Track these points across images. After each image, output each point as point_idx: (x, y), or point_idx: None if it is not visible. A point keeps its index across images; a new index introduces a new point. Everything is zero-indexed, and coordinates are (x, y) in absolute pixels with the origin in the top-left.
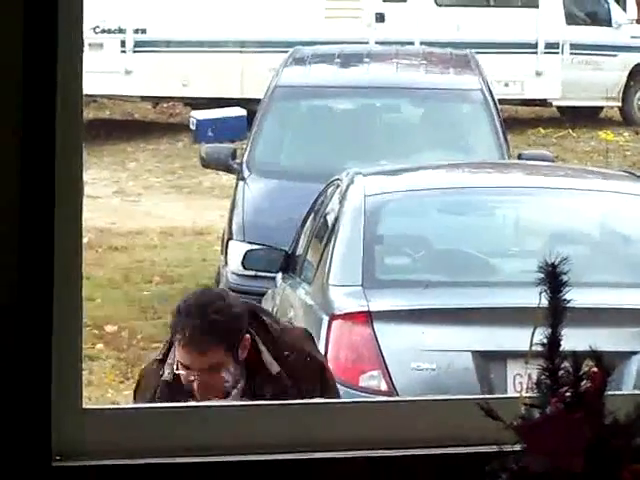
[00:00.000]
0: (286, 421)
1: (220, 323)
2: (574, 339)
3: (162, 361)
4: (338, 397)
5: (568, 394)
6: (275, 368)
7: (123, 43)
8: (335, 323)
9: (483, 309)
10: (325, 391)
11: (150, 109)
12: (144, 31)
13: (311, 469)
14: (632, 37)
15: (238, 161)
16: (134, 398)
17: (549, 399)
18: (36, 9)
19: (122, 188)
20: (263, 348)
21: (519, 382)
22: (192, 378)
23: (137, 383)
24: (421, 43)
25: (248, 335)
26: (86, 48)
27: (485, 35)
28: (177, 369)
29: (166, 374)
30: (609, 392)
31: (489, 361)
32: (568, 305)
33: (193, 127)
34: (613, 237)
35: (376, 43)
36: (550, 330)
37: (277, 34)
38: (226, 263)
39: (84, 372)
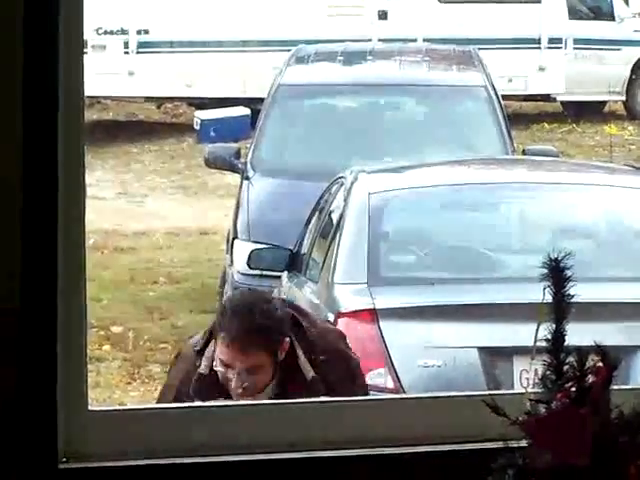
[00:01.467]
0: (291, 420)
1: (265, 326)
2: (579, 334)
3: (200, 352)
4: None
5: (573, 389)
6: (310, 374)
7: (126, 44)
8: (341, 321)
9: (489, 305)
10: (357, 391)
11: (154, 110)
12: (147, 32)
13: (317, 468)
14: (635, 31)
15: (242, 160)
16: (168, 374)
17: (554, 395)
18: (37, 11)
19: (127, 189)
20: (300, 353)
21: (525, 378)
22: (231, 376)
23: (173, 363)
24: (424, 40)
25: (288, 339)
26: (89, 50)
27: (488, 31)
28: (216, 365)
29: (203, 366)
30: (614, 387)
31: (495, 357)
32: (573, 300)
33: (197, 127)
34: (618, 231)
35: (379, 40)
36: (554, 325)
37: (279, 33)
38: (231, 262)
39: (91, 373)
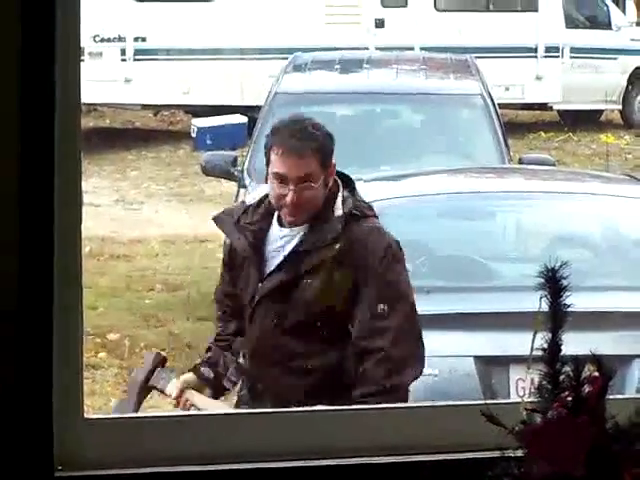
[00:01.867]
0: (287, 428)
1: (316, 135)
2: (575, 343)
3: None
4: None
5: (569, 399)
6: (338, 212)
7: (123, 51)
8: None
9: (485, 314)
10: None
11: (151, 117)
12: (144, 39)
13: (314, 476)
14: (632, 40)
15: (239, 168)
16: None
17: (551, 404)
18: (33, 18)
19: (123, 196)
20: (340, 194)
21: (522, 387)
22: (285, 192)
23: None
24: (421, 48)
25: (334, 163)
26: (86, 57)
27: (485, 40)
28: (271, 181)
29: (249, 197)
30: (610, 396)
31: (491, 366)
32: (569, 309)
33: (194, 135)
34: (614, 241)
35: (376, 49)
36: (551, 335)
37: (277, 41)
38: None
39: (87, 381)
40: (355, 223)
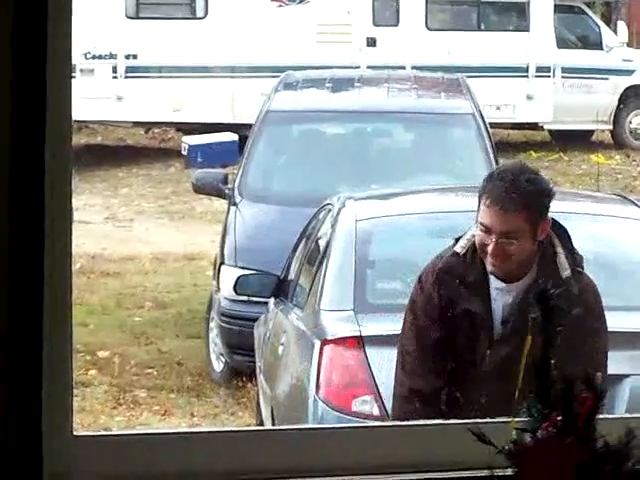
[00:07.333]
0: (276, 447)
1: (529, 192)
2: None
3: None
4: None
5: (559, 418)
6: (566, 272)
7: (114, 69)
8: (327, 348)
9: None
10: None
11: (142, 135)
12: (135, 56)
13: None
14: (623, 60)
15: (230, 186)
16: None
17: (540, 423)
18: (25, 35)
19: (114, 214)
20: (560, 250)
21: None
22: (488, 242)
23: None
24: (412, 67)
25: (550, 220)
26: (77, 74)
27: (476, 59)
28: (476, 230)
29: (458, 246)
30: (600, 416)
31: None
32: (560, 329)
33: (185, 152)
34: (606, 260)
35: (367, 67)
36: (541, 354)
37: (268, 59)
38: (218, 288)
39: (77, 398)
40: (581, 282)
